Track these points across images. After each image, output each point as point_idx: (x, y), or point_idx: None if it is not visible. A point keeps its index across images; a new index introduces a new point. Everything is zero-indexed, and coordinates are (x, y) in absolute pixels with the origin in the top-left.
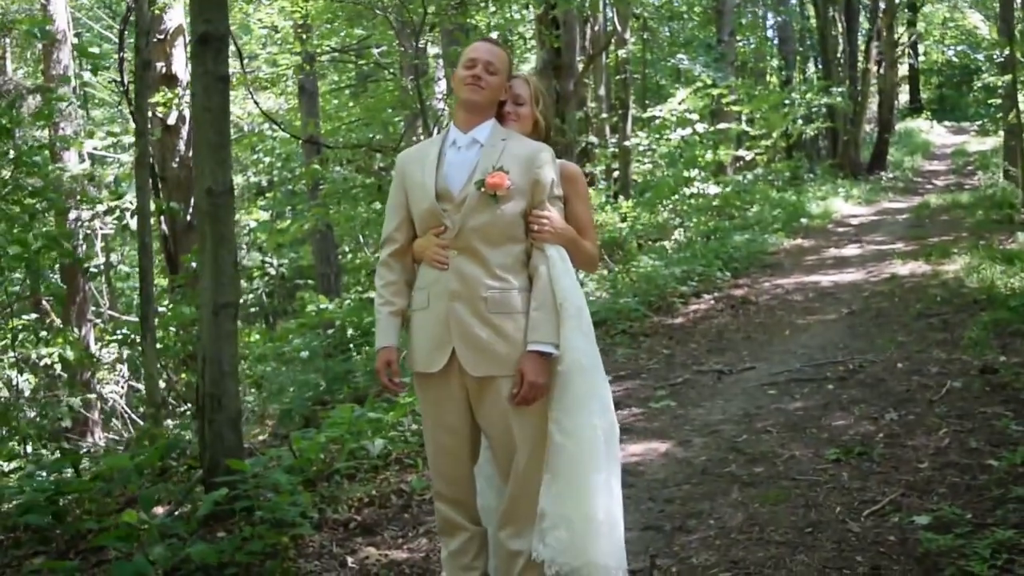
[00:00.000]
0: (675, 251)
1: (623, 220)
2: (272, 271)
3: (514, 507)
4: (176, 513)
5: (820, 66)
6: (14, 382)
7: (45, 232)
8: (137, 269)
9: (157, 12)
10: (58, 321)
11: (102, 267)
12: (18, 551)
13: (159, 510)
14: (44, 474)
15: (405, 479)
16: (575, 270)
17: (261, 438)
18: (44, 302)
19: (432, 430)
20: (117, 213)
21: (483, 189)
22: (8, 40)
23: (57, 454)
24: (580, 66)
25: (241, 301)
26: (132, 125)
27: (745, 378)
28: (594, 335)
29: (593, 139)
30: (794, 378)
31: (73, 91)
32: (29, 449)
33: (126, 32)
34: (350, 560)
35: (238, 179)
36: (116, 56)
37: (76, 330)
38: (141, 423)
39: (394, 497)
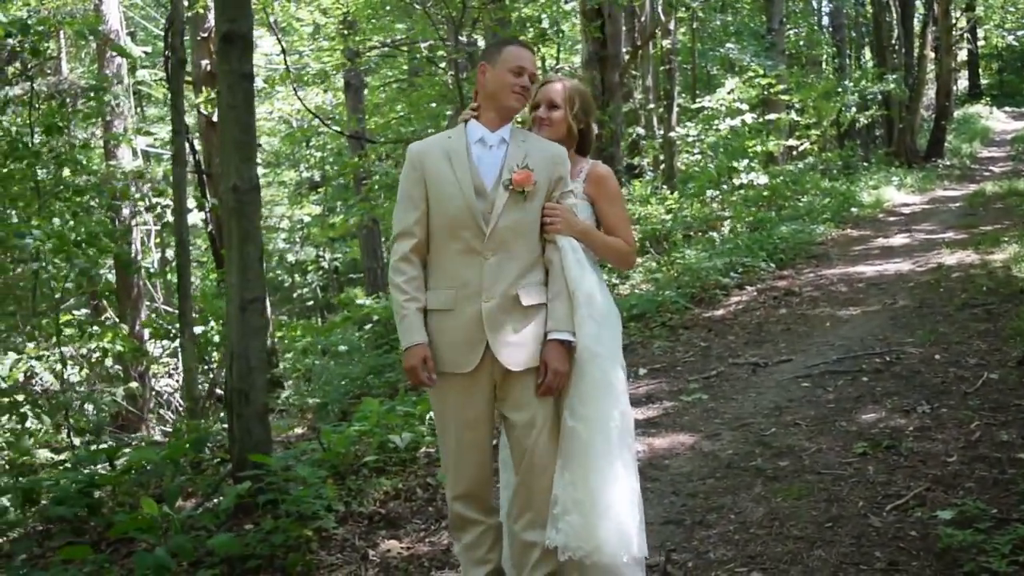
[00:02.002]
0: (721, 243)
1: (668, 212)
2: (325, 265)
3: (529, 497)
4: (205, 506)
5: (874, 53)
6: (65, 375)
7: (85, 228)
8: (194, 264)
9: (200, 11)
10: (112, 316)
11: (155, 263)
12: (52, 542)
13: (190, 503)
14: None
15: (432, 472)
16: (600, 262)
17: (299, 431)
18: (101, 297)
19: (456, 429)
20: (158, 210)
21: (512, 187)
22: (64, 40)
23: (105, 446)
24: (626, 57)
25: (295, 295)
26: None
27: (780, 371)
28: (613, 323)
29: (640, 130)
30: (830, 370)
31: (126, 89)
32: (77, 442)
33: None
34: (371, 553)
35: (290, 174)
36: (164, 55)
37: (125, 326)
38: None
39: (420, 490)
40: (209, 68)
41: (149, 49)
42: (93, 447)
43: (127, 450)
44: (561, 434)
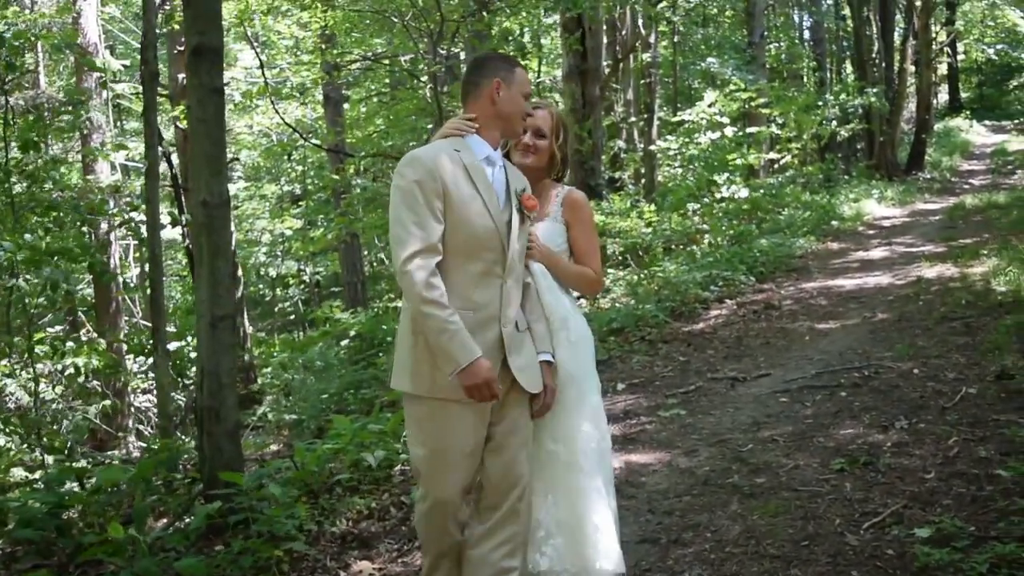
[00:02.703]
0: (701, 256)
1: (648, 225)
2: (307, 279)
3: (515, 522)
4: (176, 526)
5: (855, 67)
6: (39, 393)
7: (58, 242)
8: (175, 278)
9: (176, 26)
10: (91, 331)
11: (135, 278)
12: (19, 564)
13: (163, 522)
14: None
15: (406, 490)
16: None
17: (275, 447)
18: (80, 312)
19: (451, 453)
20: (132, 225)
21: (524, 211)
22: (42, 54)
23: (75, 466)
24: (607, 71)
25: (276, 309)
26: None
27: (759, 385)
28: (587, 345)
29: (621, 144)
30: (808, 385)
31: (104, 103)
32: (51, 460)
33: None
34: (342, 575)
35: (271, 187)
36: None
37: (103, 340)
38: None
39: (393, 509)
40: (185, 82)
41: (128, 63)
42: (65, 466)
43: (100, 468)
44: (541, 458)
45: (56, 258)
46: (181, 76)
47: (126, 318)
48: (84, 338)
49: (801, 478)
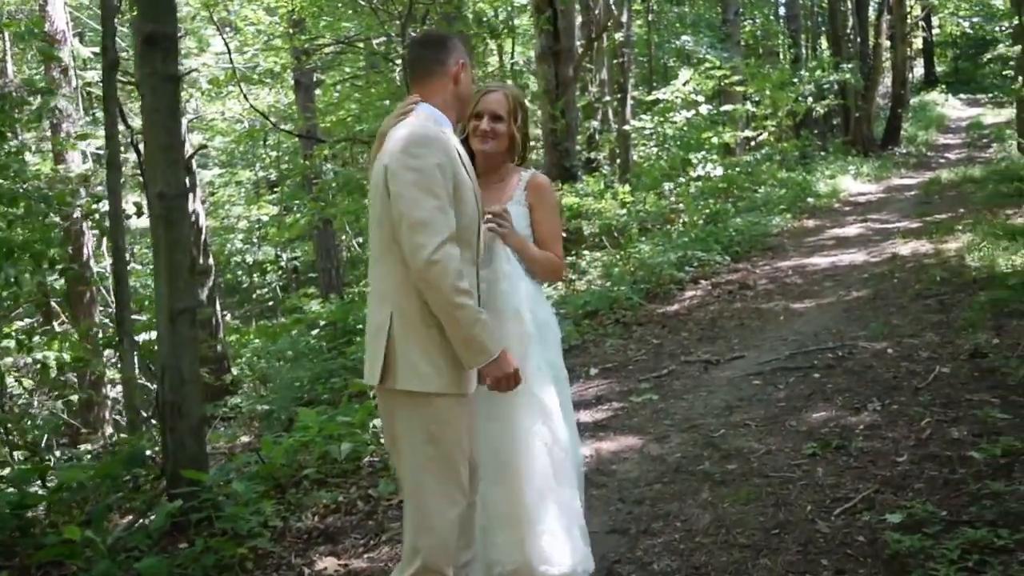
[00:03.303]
0: (676, 236)
1: (622, 206)
2: (284, 265)
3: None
4: (140, 524)
5: (830, 43)
6: (7, 388)
7: (24, 235)
8: (149, 267)
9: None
10: (62, 322)
11: (108, 268)
12: None
13: (123, 522)
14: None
15: (374, 483)
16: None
17: (246, 439)
18: (53, 304)
19: (464, 452)
20: (96, 217)
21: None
22: (7, 42)
23: (35, 465)
24: (580, 51)
25: (255, 295)
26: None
27: (732, 368)
28: (548, 336)
29: (596, 124)
30: (781, 367)
31: (73, 91)
32: (21, 457)
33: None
34: (307, 572)
35: (247, 173)
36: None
37: (75, 332)
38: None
39: (360, 503)
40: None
41: (97, 50)
42: (26, 465)
43: (61, 467)
44: (485, 455)
45: (16, 253)
46: None
47: (101, 308)
48: (58, 330)
49: (773, 464)
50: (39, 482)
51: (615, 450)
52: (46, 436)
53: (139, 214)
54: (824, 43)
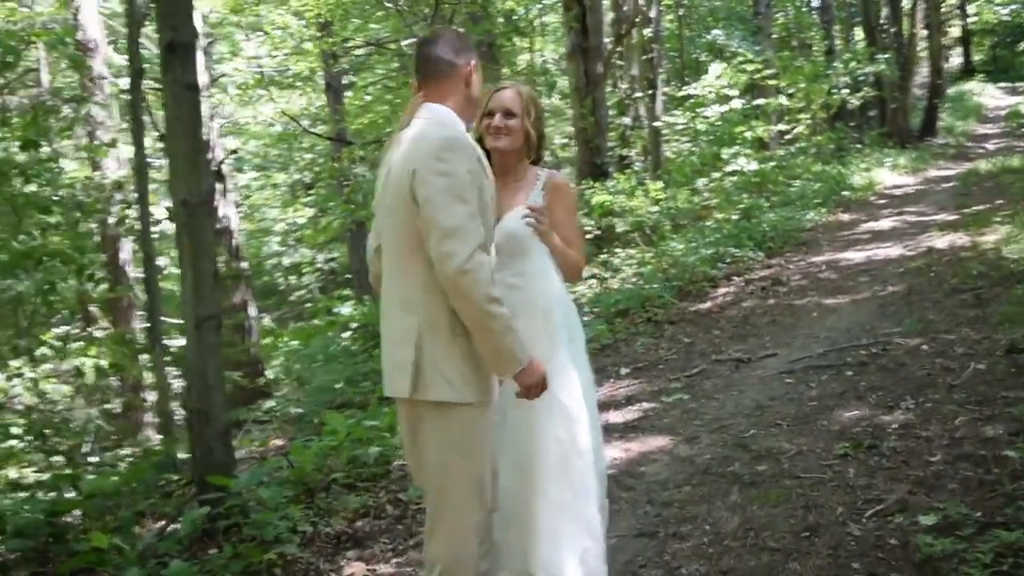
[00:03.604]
0: (709, 233)
1: (655, 203)
2: (322, 266)
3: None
4: (169, 531)
5: (865, 33)
6: (46, 393)
7: (59, 243)
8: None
9: None
10: (103, 327)
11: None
12: (16, 572)
13: (156, 527)
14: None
15: (403, 487)
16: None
17: (279, 442)
18: (92, 309)
19: (490, 457)
20: (127, 223)
21: None
22: (44, 51)
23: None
24: (609, 47)
25: (292, 298)
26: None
27: (764, 366)
28: (575, 336)
29: (627, 120)
30: (814, 365)
31: (107, 98)
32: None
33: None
34: None
35: (282, 176)
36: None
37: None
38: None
39: (389, 507)
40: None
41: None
42: (60, 472)
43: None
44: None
45: (46, 261)
46: None
47: (141, 313)
48: (98, 335)
49: (803, 465)
50: (73, 488)
51: (644, 451)
52: (91, 440)
53: (170, 219)
54: (859, 34)
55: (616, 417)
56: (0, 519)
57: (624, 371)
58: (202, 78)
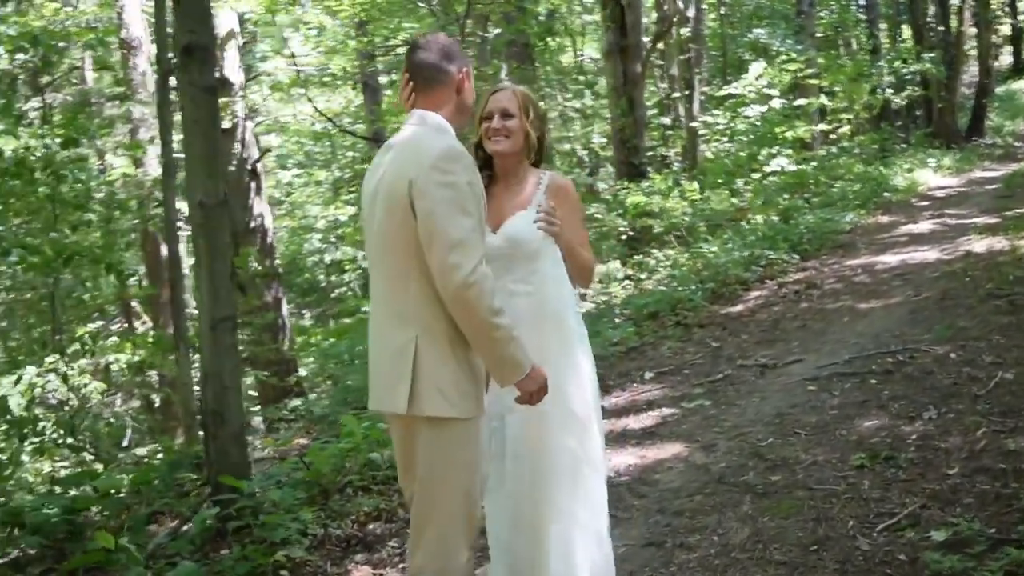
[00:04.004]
0: (743, 235)
1: (690, 204)
2: (363, 264)
3: None
4: (182, 531)
5: (913, 31)
6: (80, 388)
7: (81, 240)
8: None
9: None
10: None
11: (188, 269)
12: (33, 568)
13: (171, 526)
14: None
15: None
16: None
17: (304, 442)
18: (135, 305)
19: (483, 468)
20: (155, 222)
21: None
22: (87, 50)
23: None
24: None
25: (333, 295)
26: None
27: (789, 372)
28: (576, 346)
29: (666, 120)
30: (839, 372)
31: (150, 96)
32: (89, 457)
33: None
34: None
35: (323, 174)
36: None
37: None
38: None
39: (401, 510)
40: (218, 75)
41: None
42: (79, 470)
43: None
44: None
45: (75, 259)
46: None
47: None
48: (140, 331)
49: (818, 476)
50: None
51: (660, 458)
52: (128, 435)
53: (186, 220)
54: (907, 32)
55: (634, 423)
56: (19, 515)
57: (648, 375)
58: (237, 77)
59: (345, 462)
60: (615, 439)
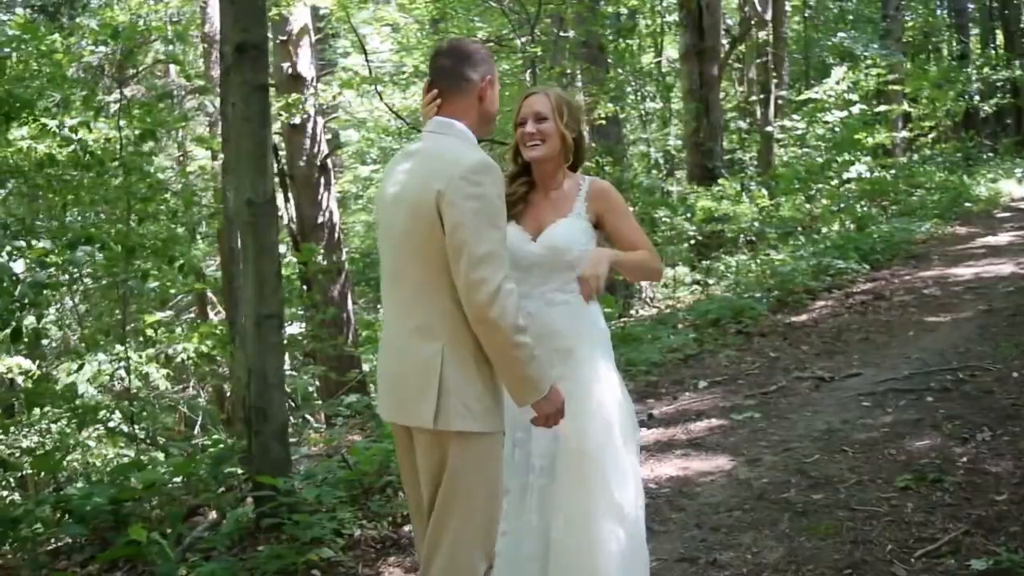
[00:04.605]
0: (816, 242)
1: (761, 210)
2: None
3: None
4: (221, 526)
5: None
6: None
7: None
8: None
9: (282, 14)
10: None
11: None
12: (78, 555)
13: (209, 520)
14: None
15: None
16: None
17: (355, 437)
18: (211, 294)
19: (503, 481)
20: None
21: None
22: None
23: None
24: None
25: None
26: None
27: (844, 387)
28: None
29: (743, 124)
30: (896, 388)
31: None
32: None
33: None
34: None
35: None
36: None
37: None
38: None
39: None
40: (291, 71)
41: None
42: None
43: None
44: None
45: (137, 250)
46: (286, 65)
47: None
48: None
49: (860, 496)
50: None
51: (703, 471)
52: (199, 422)
53: (234, 217)
54: (1000, 38)
55: (681, 433)
56: (68, 503)
57: (702, 384)
58: (309, 72)
59: (389, 462)
60: (660, 448)
